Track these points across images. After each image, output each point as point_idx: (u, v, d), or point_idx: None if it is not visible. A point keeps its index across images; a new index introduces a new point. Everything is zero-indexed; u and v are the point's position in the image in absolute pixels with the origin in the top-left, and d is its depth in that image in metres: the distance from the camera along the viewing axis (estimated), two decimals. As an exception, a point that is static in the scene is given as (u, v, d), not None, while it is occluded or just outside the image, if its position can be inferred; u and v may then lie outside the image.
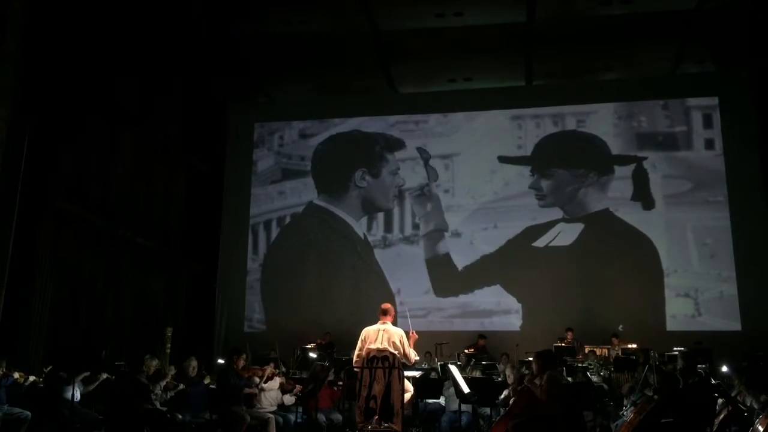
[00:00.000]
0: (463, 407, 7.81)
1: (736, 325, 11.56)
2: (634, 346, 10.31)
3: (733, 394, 7.12)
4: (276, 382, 8.26)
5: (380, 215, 13.28)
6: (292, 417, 8.06)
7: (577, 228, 12.56)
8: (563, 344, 10.45)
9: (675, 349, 9.36)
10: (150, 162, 12.47)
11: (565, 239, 12.54)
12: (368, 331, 7.29)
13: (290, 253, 13.40)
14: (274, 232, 13.63)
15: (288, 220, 13.63)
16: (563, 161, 12.81)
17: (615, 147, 12.85)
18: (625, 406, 7.81)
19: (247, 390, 7.86)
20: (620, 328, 11.25)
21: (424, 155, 13.26)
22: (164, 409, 7.87)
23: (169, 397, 8.21)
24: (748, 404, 7.19)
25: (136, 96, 12.00)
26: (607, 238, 12.42)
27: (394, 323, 7.40)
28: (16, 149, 8.71)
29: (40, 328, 9.49)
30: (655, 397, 6.99)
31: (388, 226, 13.20)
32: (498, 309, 12.53)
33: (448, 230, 12.95)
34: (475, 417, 7.97)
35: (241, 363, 8.00)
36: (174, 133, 13.32)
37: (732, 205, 12.10)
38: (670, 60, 12.37)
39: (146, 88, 12.29)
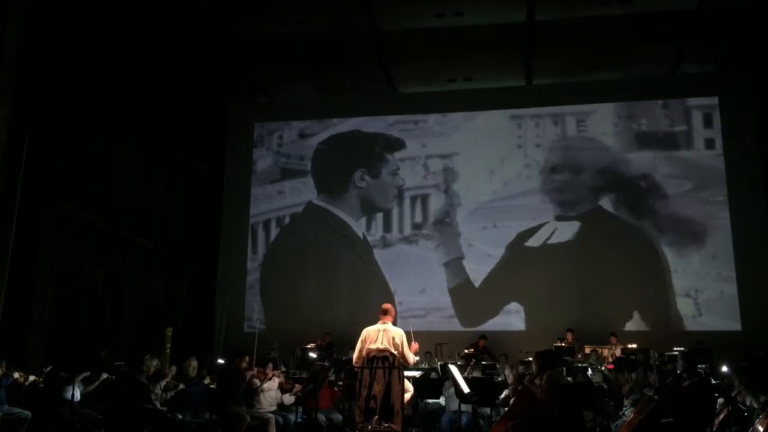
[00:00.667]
0: (463, 407, 7.81)
1: (736, 325, 11.56)
2: (635, 345, 10.30)
3: (733, 394, 7.12)
4: (275, 381, 8.26)
5: (379, 215, 13.28)
6: (292, 417, 8.06)
7: (574, 226, 12.58)
8: (563, 344, 10.44)
9: (675, 349, 9.37)
10: (150, 162, 12.47)
11: (564, 238, 12.54)
12: (368, 331, 7.30)
13: (289, 253, 13.39)
14: (274, 231, 13.63)
15: (287, 220, 13.63)
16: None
17: (615, 147, 12.86)
18: (625, 406, 7.82)
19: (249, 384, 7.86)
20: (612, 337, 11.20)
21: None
22: (164, 409, 7.87)
23: (169, 397, 8.21)
24: (748, 404, 7.19)
25: (136, 96, 12.00)
26: (606, 237, 12.43)
27: (394, 323, 7.40)
28: (16, 149, 8.70)
29: (40, 328, 9.50)
30: (655, 397, 6.99)
31: (387, 226, 13.20)
32: (498, 309, 12.54)
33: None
34: (475, 417, 7.97)
35: (244, 364, 8.00)
36: (174, 133, 13.32)
37: (732, 204, 12.10)
38: (670, 60, 12.37)
39: (146, 88, 12.29)
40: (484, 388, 7.70)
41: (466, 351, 10.61)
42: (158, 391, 7.99)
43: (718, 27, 11.20)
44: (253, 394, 7.99)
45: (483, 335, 11.83)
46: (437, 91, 13.59)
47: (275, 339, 10.99)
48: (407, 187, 13.31)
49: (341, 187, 13.45)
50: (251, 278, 13.49)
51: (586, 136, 12.98)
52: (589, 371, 8.68)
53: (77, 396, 7.72)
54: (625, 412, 7.49)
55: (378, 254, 13.11)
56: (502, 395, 7.52)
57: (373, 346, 7.15)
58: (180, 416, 7.77)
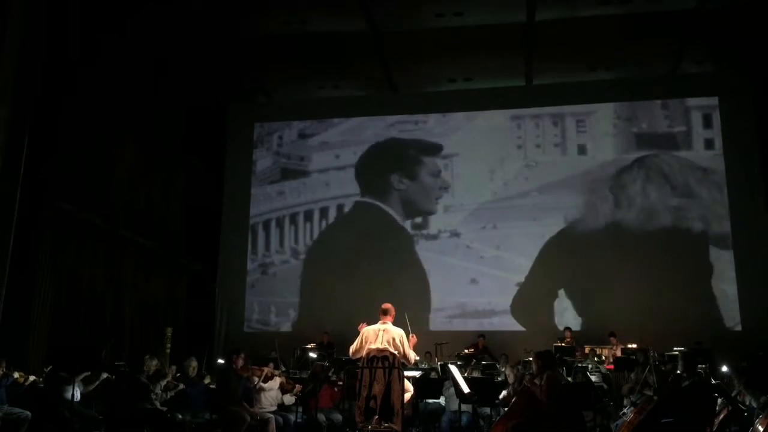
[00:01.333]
0: (463, 407, 7.82)
1: (736, 325, 11.56)
2: (634, 345, 10.30)
3: (732, 394, 7.11)
4: (276, 381, 8.27)
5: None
6: (292, 417, 8.06)
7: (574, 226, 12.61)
8: (563, 344, 10.44)
9: (675, 349, 9.38)
10: (150, 162, 12.47)
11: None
12: (368, 331, 7.29)
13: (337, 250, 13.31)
14: (274, 232, 13.61)
15: (288, 220, 13.61)
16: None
17: (615, 147, 12.86)
18: (625, 406, 7.82)
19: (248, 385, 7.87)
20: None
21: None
22: (164, 409, 7.87)
23: (169, 397, 8.21)
24: (748, 404, 7.18)
25: (136, 96, 12.00)
26: (607, 238, 12.45)
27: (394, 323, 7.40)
28: (16, 149, 8.70)
29: (40, 327, 9.49)
30: (655, 397, 7.00)
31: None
32: (498, 309, 12.55)
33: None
34: (475, 417, 7.98)
35: (240, 362, 8.00)
36: (174, 133, 13.32)
37: (732, 204, 12.10)
38: (670, 60, 12.37)
39: (146, 88, 12.29)
40: (484, 388, 7.72)
41: (466, 351, 10.61)
42: (158, 391, 7.99)
43: (718, 27, 11.21)
44: (252, 393, 7.98)
45: (481, 334, 11.83)
46: (437, 91, 13.58)
47: (276, 339, 11.00)
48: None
49: (383, 188, 13.46)
50: (251, 278, 13.49)
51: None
52: (589, 368, 8.69)
53: (77, 396, 7.72)
54: (625, 412, 7.48)
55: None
56: (502, 395, 7.53)
57: (373, 346, 7.15)
58: (180, 416, 7.77)
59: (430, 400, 8.55)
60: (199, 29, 11.28)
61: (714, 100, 12.69)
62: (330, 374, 8.49)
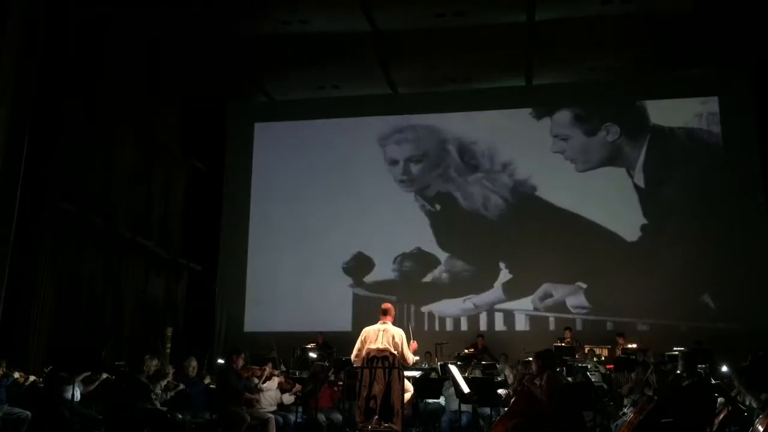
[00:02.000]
0: (463, 407, 7.82)
1: (736, 325, 11.55)
2: (634, 346, 10.30)
3: (732, 394, 7.11)
4: (275, 381, 8.26)
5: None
6: (292, 417, 8.06)
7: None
8: (563, 344, 10.44)
9: (675, 349, 9.38)
10: (150, 162, 12.47)
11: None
12: (368, 331, 7.31)
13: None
14: (274, 232, 13.60)
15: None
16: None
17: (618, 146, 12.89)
18: (625, 406, 7.81)
19: (248, 395, 7.87)
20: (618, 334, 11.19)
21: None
22: (164, 409, 7.87)
23: (169, 397, 8.21)
24: (748, 404, 7.18)
25: (136, 96, 12.00)
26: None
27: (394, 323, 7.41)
28: (16, 149, 8.70)
29: (40, 327, 9.49)
30: (655, 397, 6.99)
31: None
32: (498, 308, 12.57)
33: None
34: (475, 417, 7.98)
35: (240, 362, 8.00)
36: (174, 133, 13.32)
37: (732, 204, 12.10)
38: (670, 60, 12.37)
39: (146, 88, 12.29)
40: (483, 388, 7.72)
41: (466, 351, 10.60)
42: (158, 391, 7.99)
43: (718, 27, 11.21)
44: (252, 393, 7.98)
45: (480, 334, 11.83)
46: (437, 91, 13.58)
47: (274, 339, 10.99)
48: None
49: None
50: (251, 278, 13.48)
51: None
52: (589, 368, 8.68)
53: (77, 396, 7.72)
54: (626, 412, 7.48)
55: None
56: (499, 391, 7.55)
57: (372, 346, 7.16)
58: (180, 416, 7.77)
59: (430, 400, 8.55)
60: (199, 29, 11.28)
61: (714, 100, 12.67)
62: (330, 374, 8.49)
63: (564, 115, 13.11)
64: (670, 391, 7.25)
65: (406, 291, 12.80)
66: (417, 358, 7.93)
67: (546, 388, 7.15)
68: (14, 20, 8.72)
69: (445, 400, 8.47)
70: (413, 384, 7.71)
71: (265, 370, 8.29)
